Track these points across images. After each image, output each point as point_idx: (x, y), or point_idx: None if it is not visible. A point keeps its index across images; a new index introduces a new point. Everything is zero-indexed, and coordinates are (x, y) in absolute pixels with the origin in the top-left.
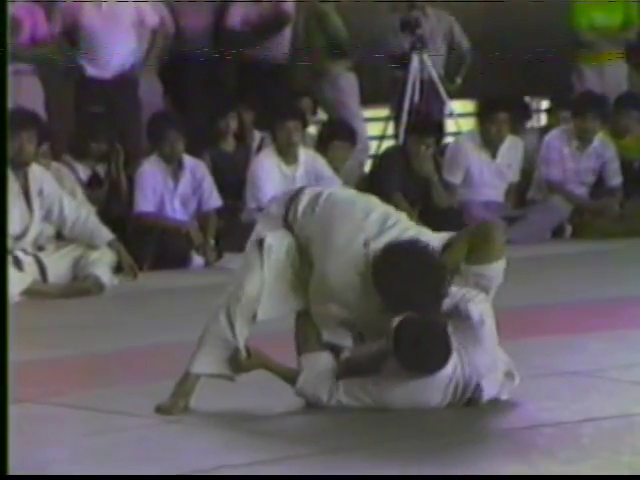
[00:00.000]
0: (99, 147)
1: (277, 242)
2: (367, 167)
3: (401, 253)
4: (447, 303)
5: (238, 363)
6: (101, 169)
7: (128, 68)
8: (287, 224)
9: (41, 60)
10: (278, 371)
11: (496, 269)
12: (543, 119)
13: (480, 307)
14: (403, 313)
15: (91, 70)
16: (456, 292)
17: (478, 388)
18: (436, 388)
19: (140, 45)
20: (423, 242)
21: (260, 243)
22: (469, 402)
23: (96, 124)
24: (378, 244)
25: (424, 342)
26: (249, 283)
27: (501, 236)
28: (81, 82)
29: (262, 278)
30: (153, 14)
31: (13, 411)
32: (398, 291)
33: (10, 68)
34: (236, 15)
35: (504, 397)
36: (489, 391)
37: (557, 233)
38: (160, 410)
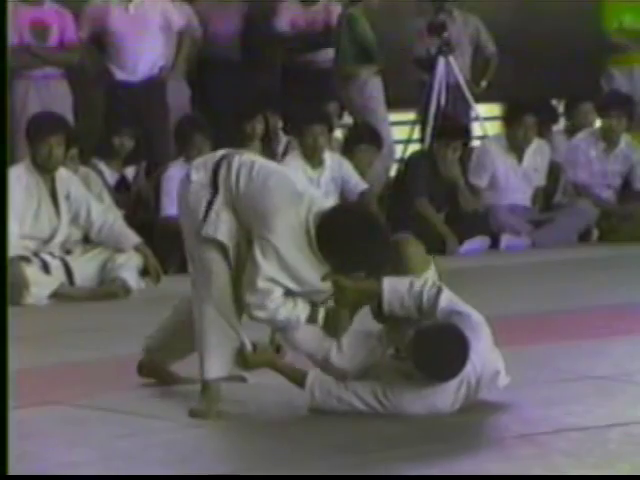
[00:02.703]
0: (122, 142)
1: (224, 231)
2: (393, 171)
3: (346, 213)
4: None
5: (244, 358)
6: (129, 173)
7: (156, 72)
8: (216, 188)
9: (69, 64)
10: (284, 371)
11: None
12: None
13: (450, 298)
14: (349, 273)
15: (120, 74)
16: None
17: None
18: (447, 392)
19: (167, 48)
20: (364, 205)
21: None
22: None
23: (120, 120)
24: (320, 208)
25: (443, 350)
26: (216, 276)
27: (416, 251)
28: (110, 87)
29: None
30: (179, 17)
31: (40, 413)
32: (344, 249)
33: (39, 72)
34: (285, 18)
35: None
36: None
37: (584, 237)
38: (195, 415)
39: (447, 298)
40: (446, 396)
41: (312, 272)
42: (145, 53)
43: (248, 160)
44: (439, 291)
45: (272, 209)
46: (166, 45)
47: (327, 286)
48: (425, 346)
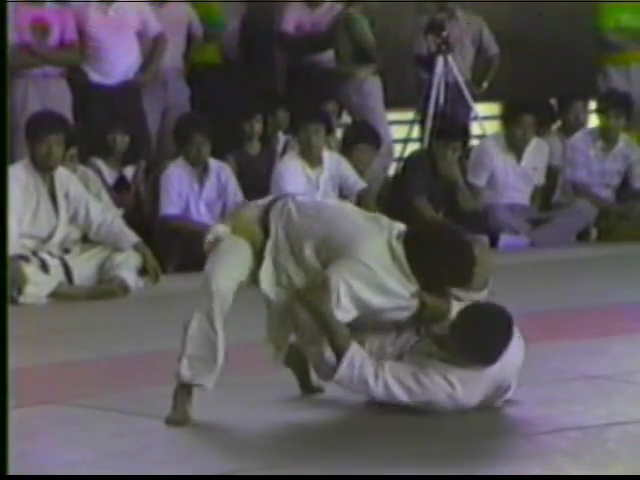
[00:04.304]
0: (115, 139)
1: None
2: (391, 170)
3: (438, 233)
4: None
5: (302, 293)
6: (128, 172)
7: (132, 76)
8: (266, 220)
9: (70, 63)
10: (331, 325)
11: (475, 299)
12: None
13: None
14: (437, 287)
15: (95, 76)
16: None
17: (508, 387)
18: (476, 389)
19: (143, 53)
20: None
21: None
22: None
23: (110, 118)
24: (400, 228)
25: (490, 326)
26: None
27: (487, 259)
28: (83, 88)
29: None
30: (156, 23)
31: (39, 412)
32: (435, 263)
33: (38, 71)
34: (291, 19)
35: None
36: (512, 391)
37: (582, 236)
38: (171, 423)
39: None
40: (474, 392)
41: (400, 288)
42: (122, 57)
43: (304, 198)
44: None
45: (357, 236)
46: (142, 50)
47: (411, 303)
48: (472, 321)
